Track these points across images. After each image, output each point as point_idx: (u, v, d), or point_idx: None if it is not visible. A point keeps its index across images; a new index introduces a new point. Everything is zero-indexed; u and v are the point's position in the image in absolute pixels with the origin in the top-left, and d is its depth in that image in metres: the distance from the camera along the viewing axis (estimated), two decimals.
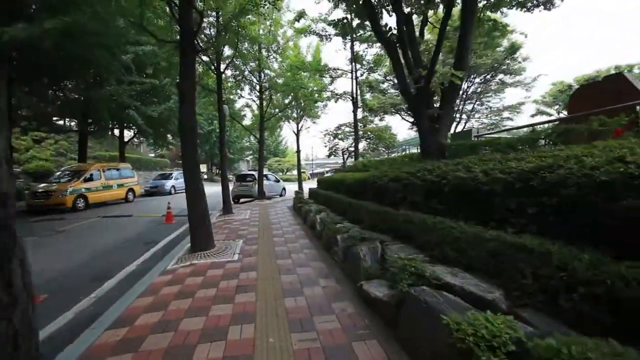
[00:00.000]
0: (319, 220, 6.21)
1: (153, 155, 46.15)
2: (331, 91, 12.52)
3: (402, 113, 27.17)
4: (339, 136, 14.41)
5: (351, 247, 3.96)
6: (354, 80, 11.71)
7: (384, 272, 3.24)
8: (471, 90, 22.62)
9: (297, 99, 14.27)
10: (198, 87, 11.22)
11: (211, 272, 4.34)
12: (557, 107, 28.30)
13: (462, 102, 23.56)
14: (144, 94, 15.75)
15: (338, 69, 11.87)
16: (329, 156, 15.78)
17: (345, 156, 14.55)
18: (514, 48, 18.42)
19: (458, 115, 23.37)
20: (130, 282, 4.37)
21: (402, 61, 6.23)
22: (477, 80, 22.04)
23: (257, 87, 14.11)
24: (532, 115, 28.56)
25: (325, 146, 15.01)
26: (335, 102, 12.62)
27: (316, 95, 13.78)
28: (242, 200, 15.72)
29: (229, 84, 13.55)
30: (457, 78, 5.28)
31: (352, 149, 13.84)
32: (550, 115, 29.25)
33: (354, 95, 11.75)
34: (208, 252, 5.28)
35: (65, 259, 5.84)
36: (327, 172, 66.54)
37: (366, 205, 5.25)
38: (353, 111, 12.05)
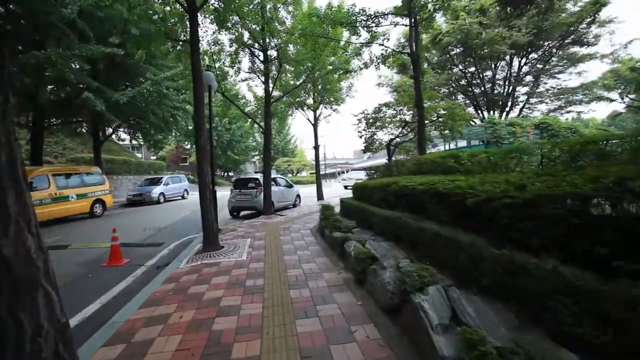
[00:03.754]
0: (437, 332, 2.05)
1: (155, 158, 42.67)
2: (381, 44, 8.02)
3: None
4: (377, 123, 10.07)
5: None
6: (412, 29, 7.39)
7: None
8: (525, 68, 18.08)
9: (315, 72, 10.11)
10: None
11: None
12: (620, 90, 23.41)
13: (509, 85, 19.10)
14: (110, 72, 11.80)
15: (383, 15, 7.51)
16: (364, 151, 11.54)
17: (392, 150, 10.23)
18: (598, 4, 13.90)
19: (509, 101, 18.97)
20: None
21: None
22: (535, 55, 17.57)
23: (261, 56, 10.03)
24: (586, 102, 23.37)
25: (361, 136, 10.69)
26: (377, 68, 8.40)
27: (344, 63, 9.57)
28: (242, 213, 11.66)
29: (217, 47, 9.51)
30: None
31: (400, 137, 9.60)
32: (612, 100, 24.41)
33: (414, 50, 7.43)
34: None
35: None
36: (339, 172, 61.47)
37: None
38: (414, 75, 7.66)
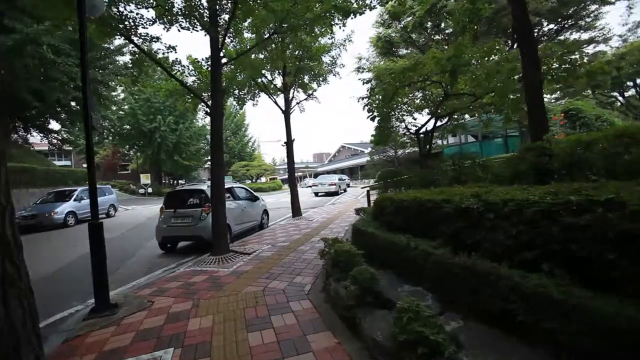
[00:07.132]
0: None
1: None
2: None
3: None
4: (399, 98, 6.32)
5: None
6: None
7: None
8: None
9: (294, 20, 6.41)
10: None
11: None
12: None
13: None
14: None
15: None
16: (377, 142, 7.79)
17: (423, 142, 6.62)
18: None
19: None
20: None
21: None
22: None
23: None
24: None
25: (372, 117, 6.82)
26: None
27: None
28: (181, 243, 7.44)
29: None
30: None
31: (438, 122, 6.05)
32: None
33: None
34: None
35: None
36: (303, 177, 57.03)
37: None
38: None
